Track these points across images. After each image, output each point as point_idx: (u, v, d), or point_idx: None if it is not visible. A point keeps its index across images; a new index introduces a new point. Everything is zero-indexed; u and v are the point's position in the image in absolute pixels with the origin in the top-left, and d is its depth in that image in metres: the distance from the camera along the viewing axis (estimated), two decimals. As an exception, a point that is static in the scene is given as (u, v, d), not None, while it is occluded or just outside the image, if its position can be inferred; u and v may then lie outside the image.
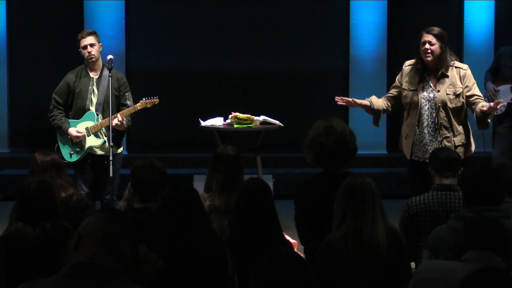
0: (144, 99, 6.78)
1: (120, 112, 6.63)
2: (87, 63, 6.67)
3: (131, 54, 9.84)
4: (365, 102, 6.19)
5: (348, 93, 9.82)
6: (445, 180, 4.68)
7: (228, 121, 7.34)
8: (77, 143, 6.64)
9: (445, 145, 5.90)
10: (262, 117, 7.38)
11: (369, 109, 6.21)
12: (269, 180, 7.46)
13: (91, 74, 6.66)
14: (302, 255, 3.97)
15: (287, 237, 4.77)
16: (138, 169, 4.43)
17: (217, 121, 7.35)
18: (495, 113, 6.12)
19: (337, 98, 6.18)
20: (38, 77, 9.88)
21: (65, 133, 6.63)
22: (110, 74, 6.49)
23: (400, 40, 9.95)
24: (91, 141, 6.66)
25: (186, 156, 9.64)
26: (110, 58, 6.53)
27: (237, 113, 7.31)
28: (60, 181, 5.02)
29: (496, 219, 3.31)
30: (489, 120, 6.01)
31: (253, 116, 7.31)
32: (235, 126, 7.25)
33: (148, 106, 6.81)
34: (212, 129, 7.34)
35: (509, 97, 7.72)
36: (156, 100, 6.81)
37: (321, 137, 4.19)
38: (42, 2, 9.90)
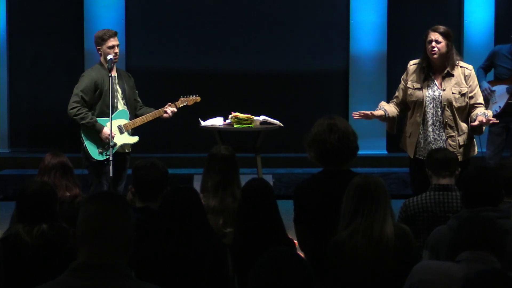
0: (182, 97, 6.92)
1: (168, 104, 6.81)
2: (107, 63, 6.54)
3: (131, 54, 9.84)
4: (380, 112, 6.06)
5: (348, 92, 9.82)
6: (442, 180, 4.68)
7: (228, 121, 7.34)
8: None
9: (450, 144, 5.90)
10: (262, 117, 7.38)
11: (384, 118, 6.09)
12: (269, 180, 7.46)
13: (111, 73, 6.57)
14: (302, 254, 3.98)
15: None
16: (139, 169, 4.44)
17: (217, 121, 7.36)
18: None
19: (354, 114, 6.08)
20: (38, 77, 9.87)
21: (97, 132, 6.52)
22: (110, 74, 6.48)
23: (400, 39, 9.95)
24: (125, 139, 6.67)
25: (186, 156, 9.63)
26: (110, 58, 6.53)
27: (237, 113, 7.31)
28: (65, 182, 5.03)
29: (492, 219, 3.30)
30: (483, 127, 5.99)
31: (253, 116, 7.31)
32: (235, 126, 7.26)
33: (190, 103, 6.96)
34: (212, 129, 7.35)
35: (505, 99, 7.71)
36: (198, 98, 7.01)
37: (324, 134, 4.19)
38: (42, 2, 9.90)
